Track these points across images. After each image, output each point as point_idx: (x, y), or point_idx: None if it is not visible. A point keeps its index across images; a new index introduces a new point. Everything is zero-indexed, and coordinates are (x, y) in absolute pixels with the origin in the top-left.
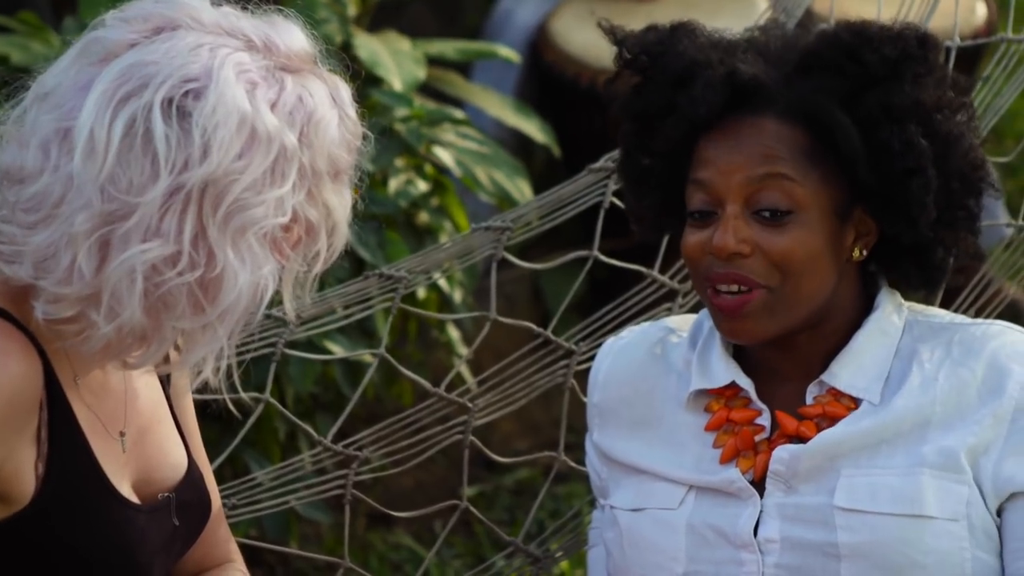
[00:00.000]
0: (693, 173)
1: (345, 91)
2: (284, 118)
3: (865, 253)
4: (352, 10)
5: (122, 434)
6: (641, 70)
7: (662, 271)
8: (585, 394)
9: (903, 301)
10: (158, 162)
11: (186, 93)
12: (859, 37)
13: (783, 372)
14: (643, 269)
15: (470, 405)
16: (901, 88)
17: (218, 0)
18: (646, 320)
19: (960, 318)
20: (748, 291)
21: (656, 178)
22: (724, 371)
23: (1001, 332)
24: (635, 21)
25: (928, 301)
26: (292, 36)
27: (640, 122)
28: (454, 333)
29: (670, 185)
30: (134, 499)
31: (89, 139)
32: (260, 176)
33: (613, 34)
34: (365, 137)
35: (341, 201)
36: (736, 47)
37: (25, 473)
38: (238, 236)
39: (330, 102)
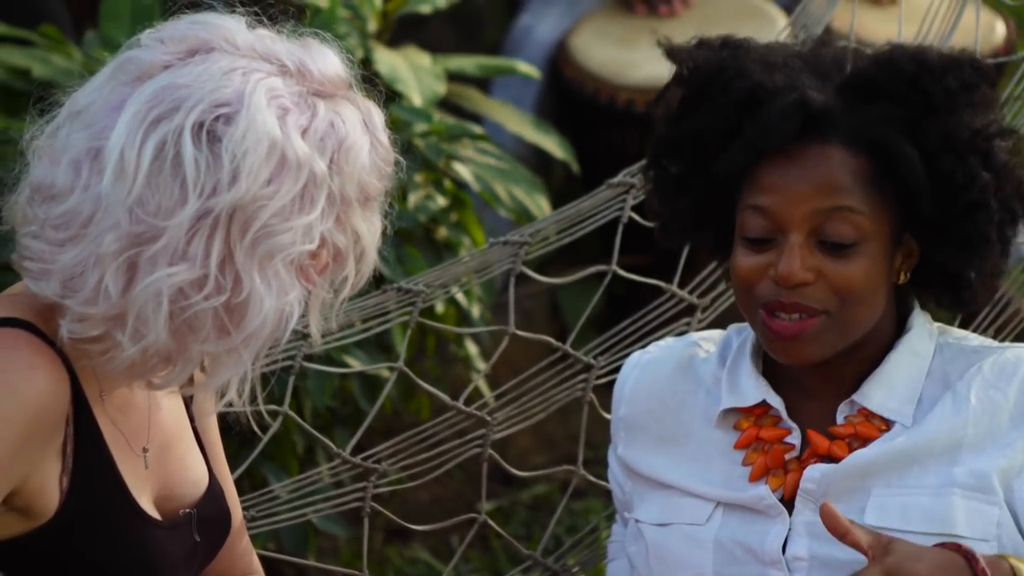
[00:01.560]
0: (752, 198)
1: (378, 117)
2: (315, 144)
3: (908, 276)
4: (372, 25)
5: (145, 450)
6: (698, 88)
7: (681, 286)
8: (603, 409)
9: (933, 323)
10: (187, 186)
11: (217, 118)
12: (920, 66)
13: (814, 391)
14: (662, 284)
15: (489, 419)
16: (960, 118)
17: (252, 21)
18: (665, 335)
19: (990, 342)
20: (807, 317)
21: (688, 188)
22: (754, 389)
23: None
24: (655, 36)
25: (946, 320)
26: (326, 61)
27: (693, 140)
28: (472, 348)
29: (702, 195)
30: (156, 515)
31: (119, 160)
32: (289, 202)
33: (671, 52)
34: (397, 163)
35: (370, 227)
36: (797, 69)
37: (50, 487)
38: (265, 262)
39: (362, 128)
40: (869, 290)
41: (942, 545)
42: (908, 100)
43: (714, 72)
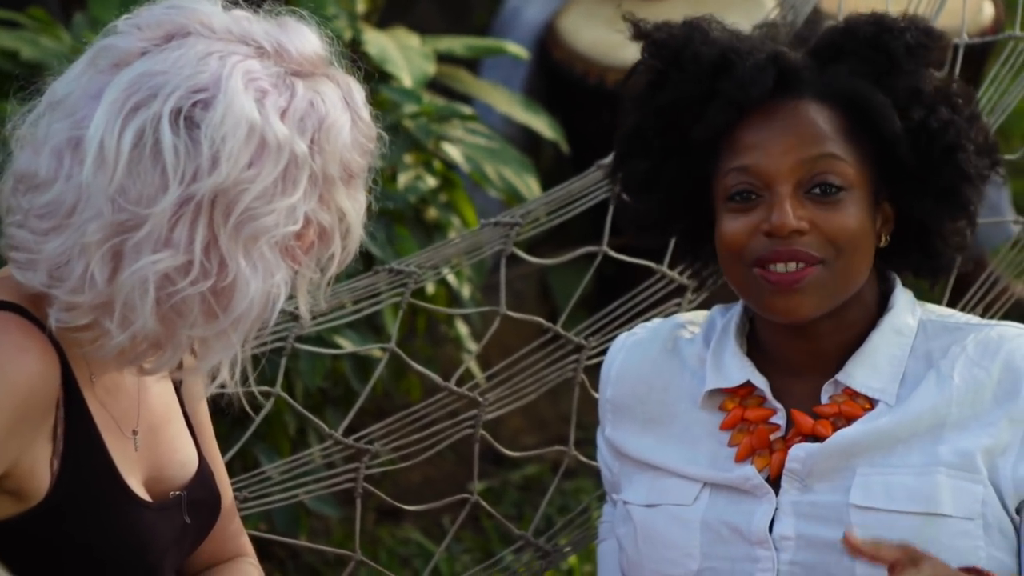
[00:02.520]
0: (733, 161)
1: (359, 93)
2: (294, 126)
3: (887, 240)
4: (361, 7)
5: (134, 432)
6: (666, 63)
7: (670, 267)
8: (594, 389)
9: (916, 301)
10: (167, 173)
11: (195, 103)
12: (879, 26)
13: (798, 368)
14: (652, 265)
15: (480, 400)
16: (923, 74)
17: (228, 3)
18: (655, 316)
19: (975, 319)
20: (805, 266)
21: (662, 180)
22: (739, 370)
23: (1018, 335)
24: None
25: (935, 298)
26: (304, 39)
27: (665, 116)
28: (463, 328)
29: (676, 187)
30: (146, 497)
31: (99, 150)
32: (270, 185)
33: (637, 27)
34: (379, 138)
35: (354, 204)
36: (762, 37)
37: (40, 470)
38: (250, 245)
39: (342, 105)
40: (861, 238)
41: (966, 570)
42: (872, 58)
43: (681, 44)
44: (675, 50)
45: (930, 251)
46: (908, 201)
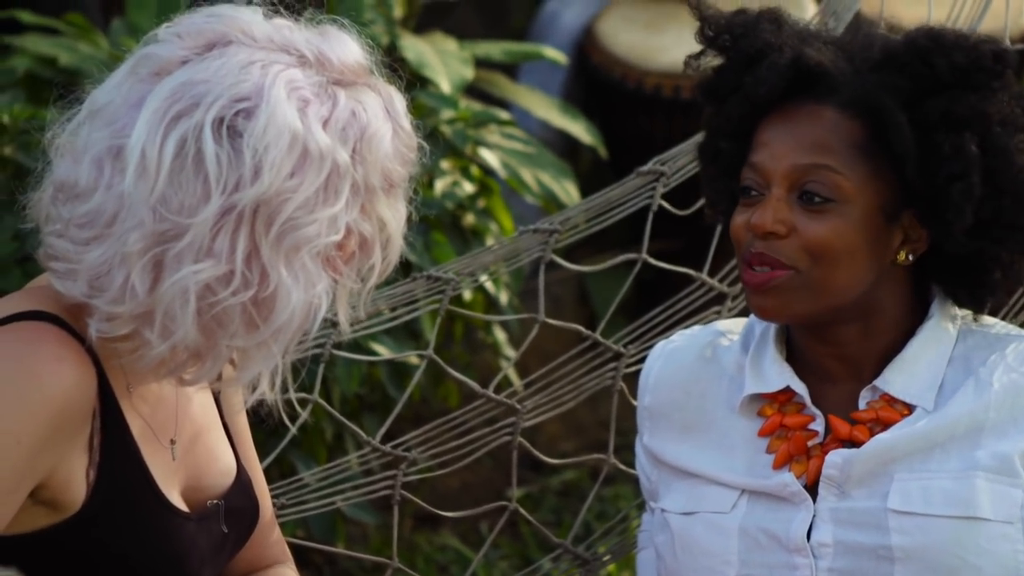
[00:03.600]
0: (750, 156)
1: (400, 102)
2: (336, 135)
3: (911, 258)
4: (398, 12)
5: (172, 442)
6: (721, 50)
7: (711, 274)
8: (633, 397)
9: (958, 311)
10: (209, 183)
11: (237, 113)
12: (933, 42)
13: (834, 374)
14: (692, 272)
15: (518, 407)
16: (965, 97)
17: (269, 12)
18: (695, 323)
19: (1016, 329)
20: (773, 270)
21: (724, 162)
22: (778, 375)
23: None
24: (681, 21)
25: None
26: (346, 49)
27: (713, 102)
28: (500, 335)
29: (734, 171)
30: (183, 507)
31: (141, 159)
32: (312, 195)
33: (698, 10)
34: (420, 148)
35: (395, 214)
36: (815, 36)
37: (76, 480)
38: (291, 255)
39: (384, 115)
40: (842, 252)
41: None
42: (915, 73)
43: (737, 35)
44: (733, 39)
45: (968, 282)
46: (927, 224)
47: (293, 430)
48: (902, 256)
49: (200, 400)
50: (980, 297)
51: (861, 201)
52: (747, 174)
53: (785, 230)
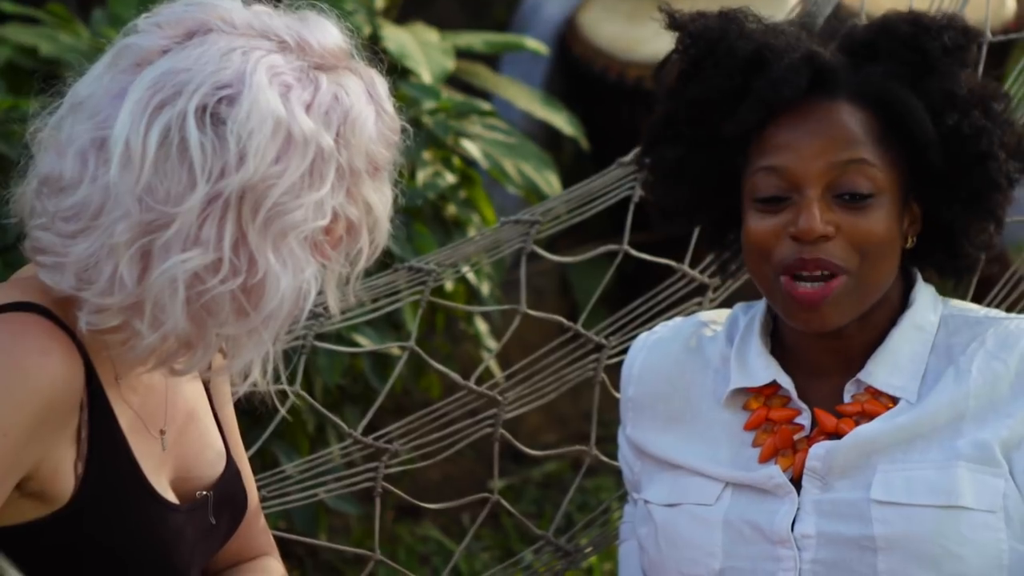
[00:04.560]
0: (763, 160)
1: (382, 85)
2: (320, 119)
3: (914, 241)
4: (380, 2)
5: (162, 432)
6: (700, 55)
7: (692, 265)
8: (615, 388)
9: (938, 296)
10: (194, 171)
11: (220, 100)
12: (916, 26)
13: (821, 368)
14: (673, 264)
15: (500, 398)
16: (958, 76)
17: None
18: (676, 315)
19: (996, 312)
20: (831, 277)
21: (687, 169)
22: (764, 369)
23: None
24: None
25: (959, 296)
26: (326, 33)
27: (696, 108)
28: (482, 326)
29: (704, 177)
30: (172, 498)
31: (125, 150)
32: (298, 180)
33: (672, 17)
34: (403, 130)
35: (381, 197)
36: (797, 33)
37: (64, 472)
38: (279, 240)
39: (366, 98)
40: (888, 245)
41: None
42: (908, 58)
43: (716, 37)
44: (710, 42)
45: (955, 251)
46: (936, 204)
47: (276, 420)
48: (909, 241)
49: (190, 389)
50: (966, 266)
51: (890, 191)
52: (767, 180)
53: (834, 231)
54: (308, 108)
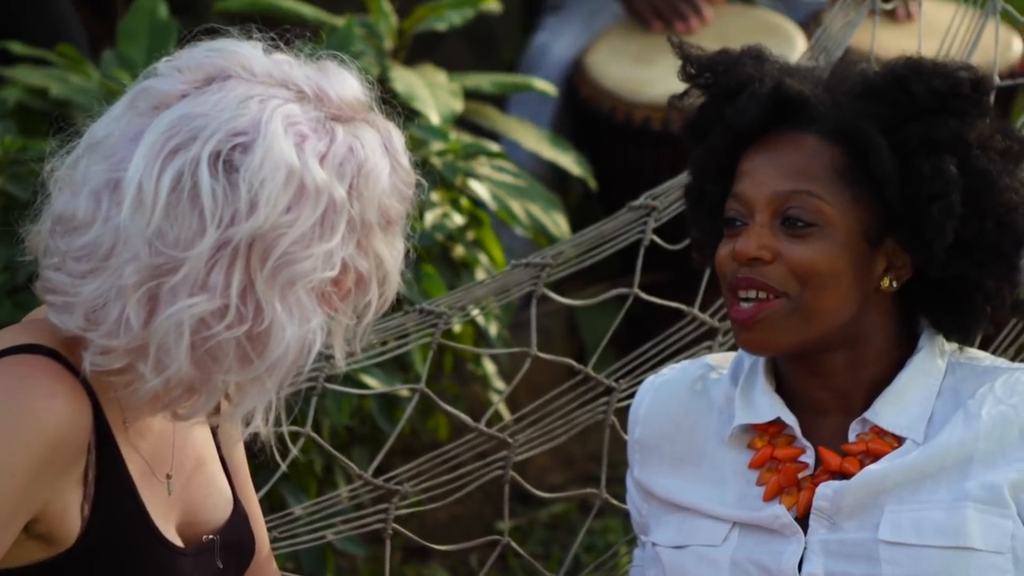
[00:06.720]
0: (733, 187)
1: (399, 139)
2: (333, 171)
3: (895, 285)
4: (388, 44)
5: (168, 477)
6: (704, 87)
7: (702, 309)
8: (624, 431)
9: (946, 344)
10: (205, 217)
11: (234, 147)
12: (911, 69)
13: (823, 406)
14: (683, 307)
15: (510, 441)
16: (945, 122)
17: (269, 47)
18: (686, 358)
19: (1004, 362)
20: (765, 298)
21: (710, 201)
22: (769, 407)
23: None
24: (670, 54)
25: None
26: (344, 84)
27: (696, 138)
28: (490, 367)
29: (719, 209)
30: (178, 542)
31: (137, 192)
32: (308, 230)
33: (680, 48)
34: (418, 185)
35: (392, 251)
36: (795, 69)
37: (71, 515)
38: (286, 290)
39: (382, 151)
40: (828, 275)
41: None
42: (895, 100)
43: (719, 72)
44: (715, 75)
45: (954, 308)
46: (909, 248)
47: (286, 463)
48: (886, 283)
49: (198, 434)
50: (965, 326)
51: (844, 226)
52: (731, 205)
53: (770, 256)
54: (322, 159)
